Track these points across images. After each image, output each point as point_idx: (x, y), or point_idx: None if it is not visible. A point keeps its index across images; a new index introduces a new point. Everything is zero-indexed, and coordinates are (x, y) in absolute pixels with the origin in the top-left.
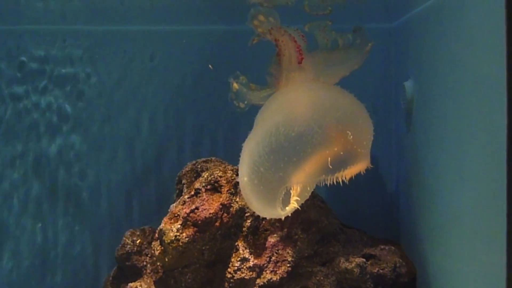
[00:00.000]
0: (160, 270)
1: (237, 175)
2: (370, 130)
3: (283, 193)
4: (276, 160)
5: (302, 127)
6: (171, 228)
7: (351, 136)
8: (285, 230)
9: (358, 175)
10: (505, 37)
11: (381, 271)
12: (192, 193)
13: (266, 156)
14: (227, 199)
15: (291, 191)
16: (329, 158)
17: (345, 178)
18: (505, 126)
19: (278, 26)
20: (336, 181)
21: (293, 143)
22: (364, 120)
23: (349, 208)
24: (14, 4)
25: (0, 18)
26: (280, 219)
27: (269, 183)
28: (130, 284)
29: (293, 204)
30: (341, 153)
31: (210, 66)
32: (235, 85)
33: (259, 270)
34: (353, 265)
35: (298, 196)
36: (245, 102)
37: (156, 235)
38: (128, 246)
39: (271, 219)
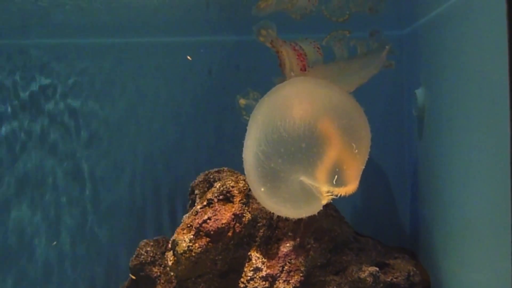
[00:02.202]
0: (173, 280)
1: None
2: (368, 146)
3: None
4: (295, 167)
5: (305, 131)
6: (184, 239)
7: (356, 150)
8: (298, 239)
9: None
10: (507, 44)
11: (394, 280)
12: (205, 203)
13: (283, 165)
14: (240, 209)
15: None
16: (335, 176)
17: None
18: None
19: (276, 37)
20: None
21: (305, 153)
22: (367, 134)
23: (362, 217)
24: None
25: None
26: (292, 229)
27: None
28: None
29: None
30: (344, 166)
31: (188, 57)
32: (242, 101)
33: (272, 279)
34: (366, 274)
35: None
36: None
37: (169, 245)
38: (142, 257)
39: (284, 228)
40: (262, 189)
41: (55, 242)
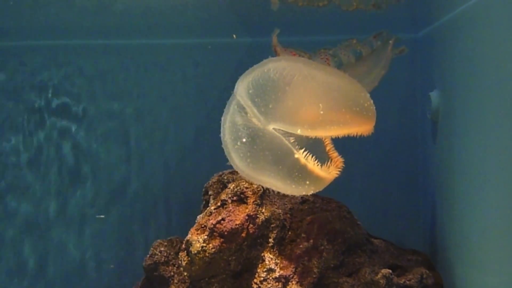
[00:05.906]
0: (187, 281)
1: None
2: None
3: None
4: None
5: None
6: (198, 239)
7: (322, 111)
8: (311, 241)
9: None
10: None
11: (407, 282)
12: (219, 204)
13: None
14: (253, 210)
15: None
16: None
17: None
18: None
19: (276, 44)
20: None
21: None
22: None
23: (375, 219)
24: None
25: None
26: (306, 230)
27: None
28: None
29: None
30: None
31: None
32: None
33: (285, 281)
34: (379, 276)
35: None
36: None
37: (183, 245)
38: (156, 256)
39: (297, 229)
40: (238, 144)
41: (102, 216)
